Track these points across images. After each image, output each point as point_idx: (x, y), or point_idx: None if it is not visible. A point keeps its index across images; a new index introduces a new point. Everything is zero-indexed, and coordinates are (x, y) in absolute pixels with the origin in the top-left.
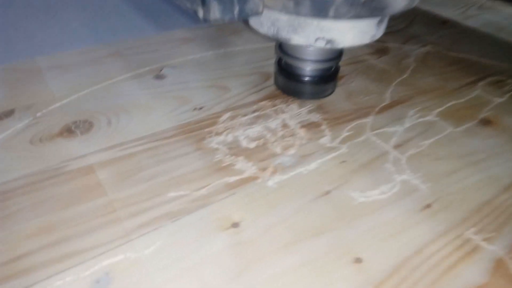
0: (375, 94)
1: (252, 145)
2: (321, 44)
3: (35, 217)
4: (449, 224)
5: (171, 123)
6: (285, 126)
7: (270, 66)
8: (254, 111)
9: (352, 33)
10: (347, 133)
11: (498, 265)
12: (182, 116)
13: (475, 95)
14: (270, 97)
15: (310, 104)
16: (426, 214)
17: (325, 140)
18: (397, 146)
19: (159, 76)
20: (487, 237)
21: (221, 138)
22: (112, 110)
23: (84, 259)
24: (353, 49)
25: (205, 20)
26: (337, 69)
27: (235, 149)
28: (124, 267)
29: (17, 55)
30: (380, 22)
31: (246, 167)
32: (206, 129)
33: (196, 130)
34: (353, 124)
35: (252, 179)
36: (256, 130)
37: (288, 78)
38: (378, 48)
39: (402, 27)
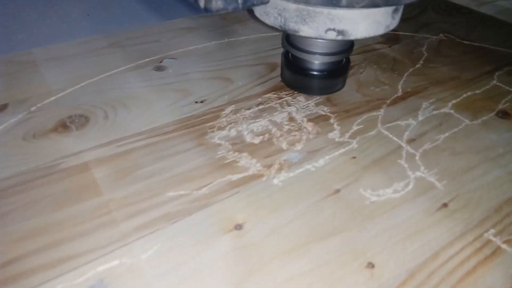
0: (386, 85)
1: (257, 140)
2: (331, 35)
3: (26, 219)
4: (467, 225)
5: (171, 117)
6: (291, 119)
7: (276, 56)
8: (258, 104)
9: (365, 23)
10: (357, 127)
11: None
12: (183, 110)
13: (492, 86)
14: (275, 89)
15: (318, 96)
16: (443, 214)
17: (334, 134)
18: (410, 141)
19: (159, 68)
20: (508, 239)
21: (224, 133)
22: (109, 103)
23: (77, 264)
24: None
25: (207, 10)
26: (347, 63)
27: (238, 144)
28: (119, 273)
29: (15, 47)
30: (395, 11)
31: (250, 164)
32: (208, 124)
33: (197, 125)
34: (364, 117)
35: (256, 177)
36: (260, 124)
37: (295, 73)
38: (389, 36)
39: (414, 14)
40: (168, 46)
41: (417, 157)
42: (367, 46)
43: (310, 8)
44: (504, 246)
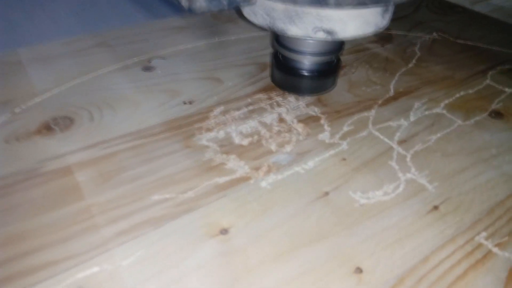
0: (378, 85)
1: (245, 142)
2: (320, 35)
3: (5, 225)
4: (458, 228)
5: (158, 119)
6: (281, 121)
7: (267, 56)
8: (248, 105)
9: (355, 23)
10: (347, 128)
11: None
12: (170, 111)
13: (485, 85)
14: (266, 89)
15: (309, 97)
16: (433, 216)
17: (324, 136)
18: (401, 142)
19: (147, 68)
20: (500, 242)
21: (212, 134)
22: (95, 105)
23: (56, 271)
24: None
25: (190, 10)
26: (338, 62)
27: (226, 146)
28: (99, 281)
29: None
30: (385, 11)
31: (238, 167)
32: (196, 125)
33: (185, 126)
34: (354, 118)
35: (244, 179)
36: (250, 125)
37: (285, 73)
38: (381, 35)
39: (407, 13)
40: (157, 46)
41: (408, 159)
42: (359, 46)
43: (298, 8)
44: (495, 249)
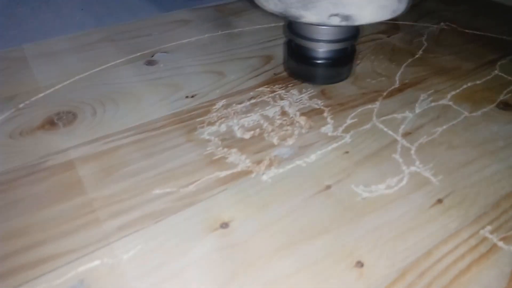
0: (383, 76)
1: (247, 135)
2: (335, 21)
3: (8, 219)
4: (462, 222)
5: (161, 113)
6: (283, 114)
7: (271, 48)
8: (250, 98)
9: (371, 7)
10: (351, 121)
11: None
12: (173, 105)
13: (494, 76)
14: (268, 82)
15: (312, 89)
16: (437, 210)
17: (327, 128)
18: (406, 134)
19: (150, 62)
20: (505, 236)
21: (214, 128)
22: (98, 99)
23: (57, 265)
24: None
25: None
26: (353, 50)
27: (228, 140)
28: (100, 274)
29: (7, 43)
30: None
31: (239, 160)
32: (198, 119)
33: (187, 120)
34: (358, 110)
35: (245, 173)
36: (252, 119)
37: (299, 62)
38: (388, 25)
39: (415, 2)
40: (160, 40)
41: (412, 151)
42: (365, 37)
43: None
44: (500, 243)
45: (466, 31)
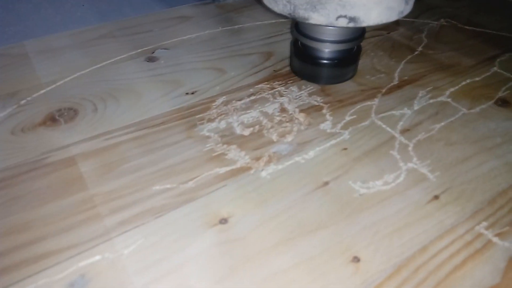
0: (383, 73)
1: (247, 132)
2: (343, 23)
3: (10, 214)
4: (458, 218)
5: (161, 109)
6: (283, 110)
7: (271, 45)
8: (250, 95)
9: (378, 9)
10: (350, 118)
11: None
12: (173, 102)
13: (493, 73)
14: (268, 79)
15: (311, 86)
16: (434, 206)
17: (326, 125)
18: (404, 131)
19: (151, 59)
20: (500, 232)
21: (213, 125)
22: (99, 96)
23: (59, 260)
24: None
25: None
26: (359, 50)
27: (228, 136)
28: (101, 269)
29: (9, 39)
30: None
31: (238, 157)
32: (198, 116)
33: (187, 117)
34: (357, 107)
35: (244, 169)
36: (251, 115)
37: (305, 61)
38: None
39: None
40: (161, 36)
41: (410, 148)
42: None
43: None
44: (495, 239)
45: (466, 27)
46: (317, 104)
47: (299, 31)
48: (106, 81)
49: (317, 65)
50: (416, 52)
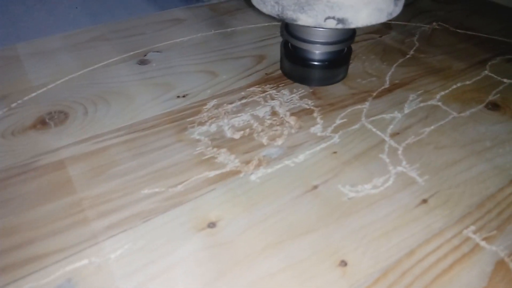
0: (374, 77)
1: (237, 135)
2: (331, 24)
3: None
4: (446, 222)
5: (152, 113)
6: (274, 114)
7: (264, 48)
8: (241, 98)
9: (367, 10)
10: (340, 121)
11: (498, 268)
12: (164, 105)
13: (483, 76)
14: (260, 82)
15: (303, 90)
16: (422, 210)
17: (316, 129)
18: (394, 135)
19: (143, 61)
20: (488, 236)
21: (204, 128)
22: (90, 99)
23: (45, 264)
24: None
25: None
26: (349, 52)
27: (218, 140)
28: (87, 273)
29: (0, 42)
30: None
31: (228, 160)
32: (189, 119)
33: (177, 120)
34: (348, 111)
35: (234, 173)
36: (242, 119)
37: (295, 63)
38: (380, 26)
39: (409, 1)
40: (153, 39)
41: (399, 151)
42: (357, 36)
43: None
44: (483, 243)
45: (458, 31)
46: (308, 107)
47: (289, 33)
48: (97, 84)
49: (308, 67)
50: (408, 56)
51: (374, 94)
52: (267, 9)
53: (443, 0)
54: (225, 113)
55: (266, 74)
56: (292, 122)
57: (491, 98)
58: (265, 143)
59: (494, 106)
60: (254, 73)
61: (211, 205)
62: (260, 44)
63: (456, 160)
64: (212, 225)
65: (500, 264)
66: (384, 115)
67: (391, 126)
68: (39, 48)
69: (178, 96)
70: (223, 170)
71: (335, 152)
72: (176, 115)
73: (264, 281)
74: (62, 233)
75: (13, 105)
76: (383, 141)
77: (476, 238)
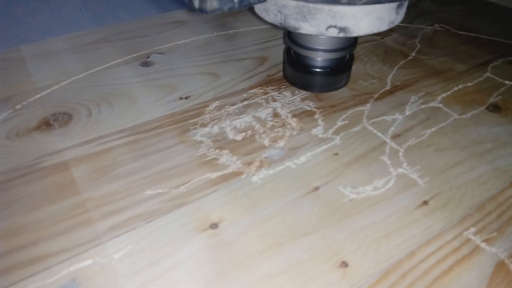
0: (375, 79)
1: (239, 137)
2: (333, 33)
3: (2, 219)
4: (447, 223)
5: (155, 114)
6: (275, 115)
7: (266, 50)
8: (243, 100)
9: (368, 19)
10: (341, 123)
11: (498, 270)
12: (166, 107)
13: (485, 78)
14: (262, 84)
15: (305, 91)
16: (422, 212)
17: (318, 130)
18: (395, 136)
19: (146, 63)
20: (488, 237)
21: (206, 129)
22: (93, 101)
23: (50, 264)
24: None
25: (202, 10)
26: (351, 58)
27: (220, 141)
28: (91, 273)
29: (5, 43)
30: (399, 6)
31: (230, 162)
32: (191, 120)
33: (180, 122)
34: (349, 112)
35: (236, 174)
36: (244, 120)
37: (297, 70)
38: None
39: (411, 3)
40: (156, 41)
41: (400, 153)
42: (359, 39)
43: (311, 4)
44: (483, 245)
45: (460, 32)
46: (309, 109)
47: (292, 40)
48: (100, 86)
49: (310, 74)
50: (409, 58)
51: (376, 96)
52: (269, 17)
53: (445, 2)
54: (227, 115)
55: (268, 76)
56: (294, 124)
57: (492, 100)
58: (267, 145)
59: (495, 108)
60: (256, 74)
61: (213, 206)
62: (262, 46)
63: (457, 162)
64: (214, 226)
65: (500, 265)
66: (385, 117)
67: (392, 128)
68: (43, 50)
69: (181, 98)
70: (225, 171)
71: (336, 154)
72: (179, 116)
73: (265, 282)
74: (66, 234)
75: (18, 106)
76: (384, 143)
77: (477, 239)
